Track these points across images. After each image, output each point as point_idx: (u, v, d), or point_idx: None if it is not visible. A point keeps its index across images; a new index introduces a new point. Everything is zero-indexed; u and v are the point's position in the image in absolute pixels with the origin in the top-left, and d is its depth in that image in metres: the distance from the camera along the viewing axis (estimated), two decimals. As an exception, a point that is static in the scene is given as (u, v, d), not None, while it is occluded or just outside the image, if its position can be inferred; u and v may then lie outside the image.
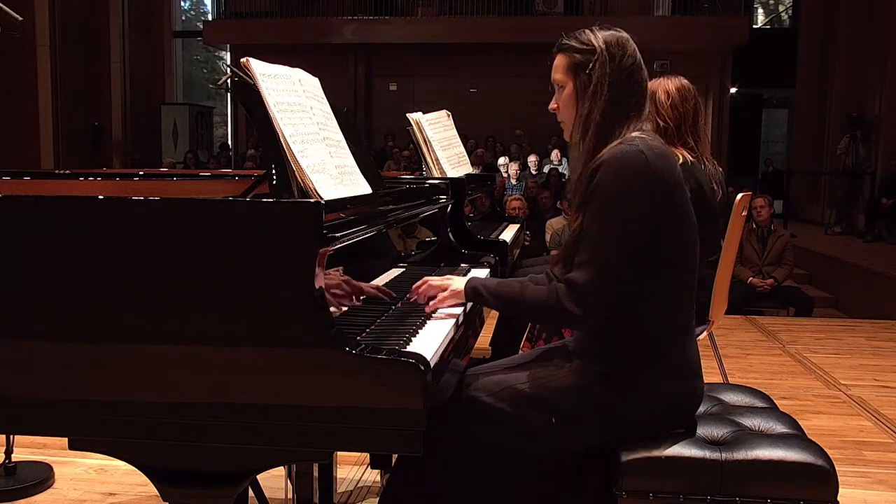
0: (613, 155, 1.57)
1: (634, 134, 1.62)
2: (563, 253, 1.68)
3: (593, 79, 1.64)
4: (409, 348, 1.46)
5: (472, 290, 1.69)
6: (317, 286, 1.35)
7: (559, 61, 1.71)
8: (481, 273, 2.37)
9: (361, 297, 1.78)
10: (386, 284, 1.98)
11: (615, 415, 1.61)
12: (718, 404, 1.86)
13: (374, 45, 14.49)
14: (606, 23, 1.72)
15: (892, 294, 7.17)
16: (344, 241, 1.50)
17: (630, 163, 1.55)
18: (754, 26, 16.64)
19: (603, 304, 1.55)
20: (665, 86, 2.75)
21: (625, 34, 1.70)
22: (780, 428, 1.72)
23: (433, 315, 1.72)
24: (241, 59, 1.55)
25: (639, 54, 1.68)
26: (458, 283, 1.72)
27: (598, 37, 1.67)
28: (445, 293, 1.72)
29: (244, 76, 1.57)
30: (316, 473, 2.02)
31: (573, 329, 1.65)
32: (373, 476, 2.75)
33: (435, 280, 1.76)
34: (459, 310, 1.76)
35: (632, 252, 1.55)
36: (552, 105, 1.76)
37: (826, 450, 1.62)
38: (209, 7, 19.48)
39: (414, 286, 1.79)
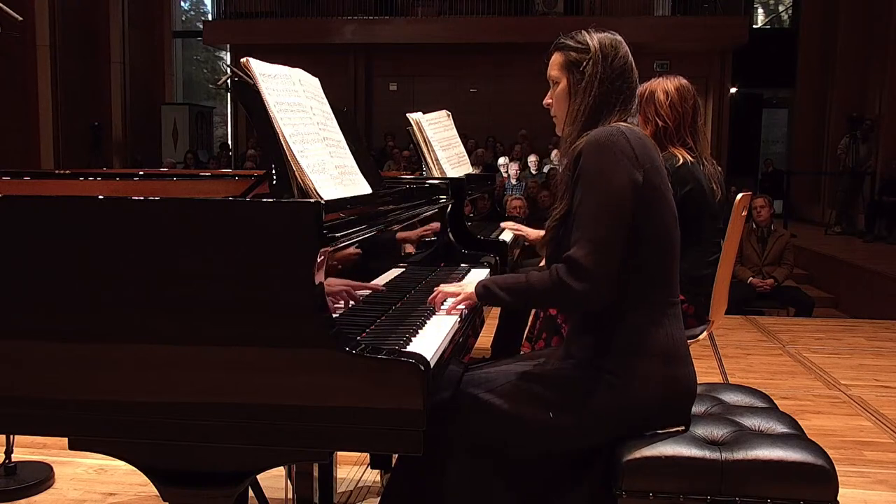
0: (593, 136, 1.64)
1: (617, 122, 1.69)
2: (547, 235, 1.73)
3: (585, 76, 1.72)
4: (410, 348, 1.46)
5: (484, 290, 1.71)
6: (317, 286, 1.35)
7: (556, 58, 1.79)
8: (481, 273, 2.38)
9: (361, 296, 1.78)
10: (386, 284, 1.98)
11: (608, 407, 1.62)
12: (718, 404, 1.86)
13: (374, 45, 14.48)
14: (606, 23, 1.76)
15: (892, 294, 7.16)
16: (344, 241, 1.50)
17: (609, 140, 1.62)
18: (754, 26, 16.61)
19: (604, 277, 1.57)
20: (664, 86, 2.75)
21: (619, 37, 1.77)
22: (780, 428, 1.72)
23: (433, 315, 1.73)
24: (241, 59, 1.55)
25: (630, 57, 1.76)
26: (469, 287, 1.76)
27: (593, 38, 1.75)
28: (458, 298, 1.76)
29: (244, 76, 1.57)
30: (316, 473, 2.02)
31: (580, 308, 1.66)
32: (373, 476, 2.75)
33: (448, 287, 1.81)
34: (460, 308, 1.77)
35: (622, 226, 1.59)
36: (546, 100, 1.84)
37: (826, 450, 1.62)
38: (209, 7, 19.46)
39: (430, 297, 1.82)
